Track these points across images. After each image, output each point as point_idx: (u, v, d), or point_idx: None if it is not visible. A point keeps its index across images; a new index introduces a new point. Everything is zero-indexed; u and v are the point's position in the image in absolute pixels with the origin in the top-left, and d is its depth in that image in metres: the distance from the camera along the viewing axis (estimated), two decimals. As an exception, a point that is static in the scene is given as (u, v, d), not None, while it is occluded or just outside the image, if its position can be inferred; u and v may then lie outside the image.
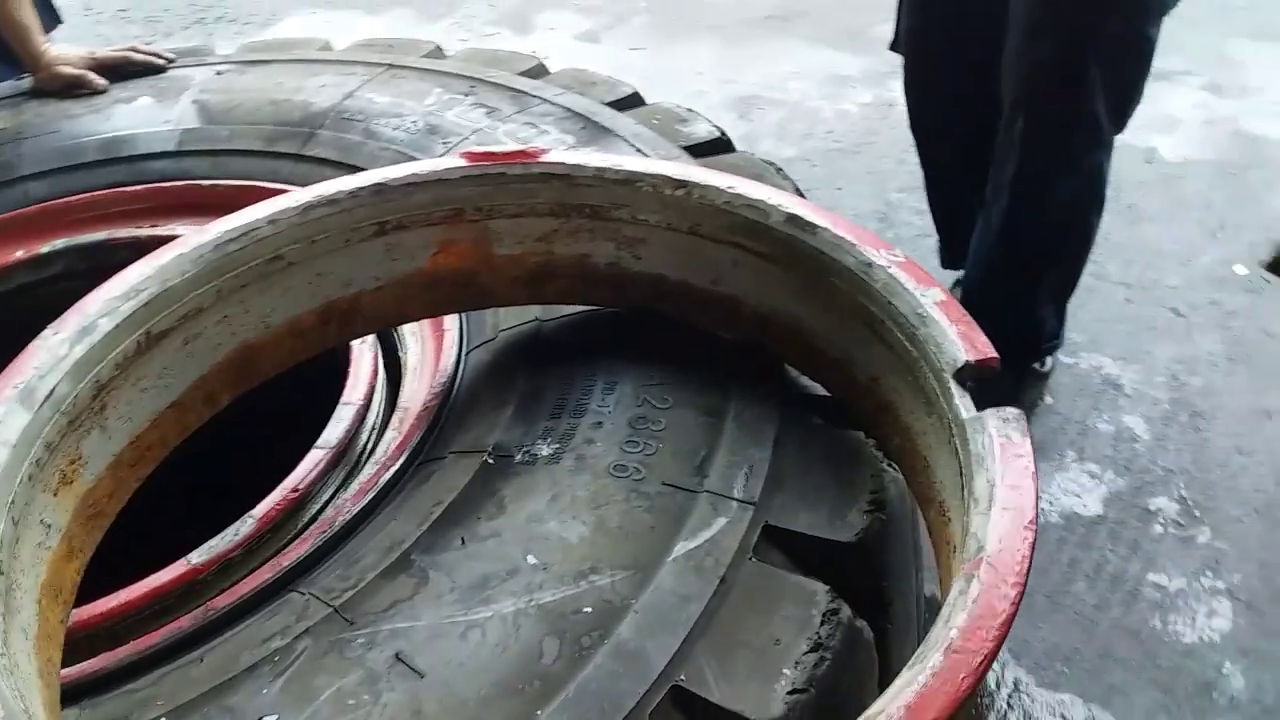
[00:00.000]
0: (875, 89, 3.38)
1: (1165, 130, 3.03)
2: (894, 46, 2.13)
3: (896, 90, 2.29)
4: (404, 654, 0.75)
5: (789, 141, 3.13)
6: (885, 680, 0.88)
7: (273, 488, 0.99)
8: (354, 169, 1.35)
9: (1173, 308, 2.36)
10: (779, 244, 0.93)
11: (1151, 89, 3.23)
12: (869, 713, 0.57)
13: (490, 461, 0.91)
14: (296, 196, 0.94)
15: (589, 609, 0.77)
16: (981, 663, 0.58)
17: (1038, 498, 0.68)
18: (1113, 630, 1.68)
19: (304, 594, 0.82)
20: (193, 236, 0.89)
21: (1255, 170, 2.84)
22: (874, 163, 3.02)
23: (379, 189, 0.97)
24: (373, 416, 1.09)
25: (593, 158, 0.99)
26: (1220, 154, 2.91)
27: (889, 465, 0.92)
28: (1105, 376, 2.16)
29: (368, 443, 1.07)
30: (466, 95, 1.54)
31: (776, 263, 0.94)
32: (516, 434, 0.93)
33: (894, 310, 0.84)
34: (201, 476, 1.24)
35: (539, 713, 0.71)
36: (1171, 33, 3.67)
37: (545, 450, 0.91)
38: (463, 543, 0.83)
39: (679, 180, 0.96)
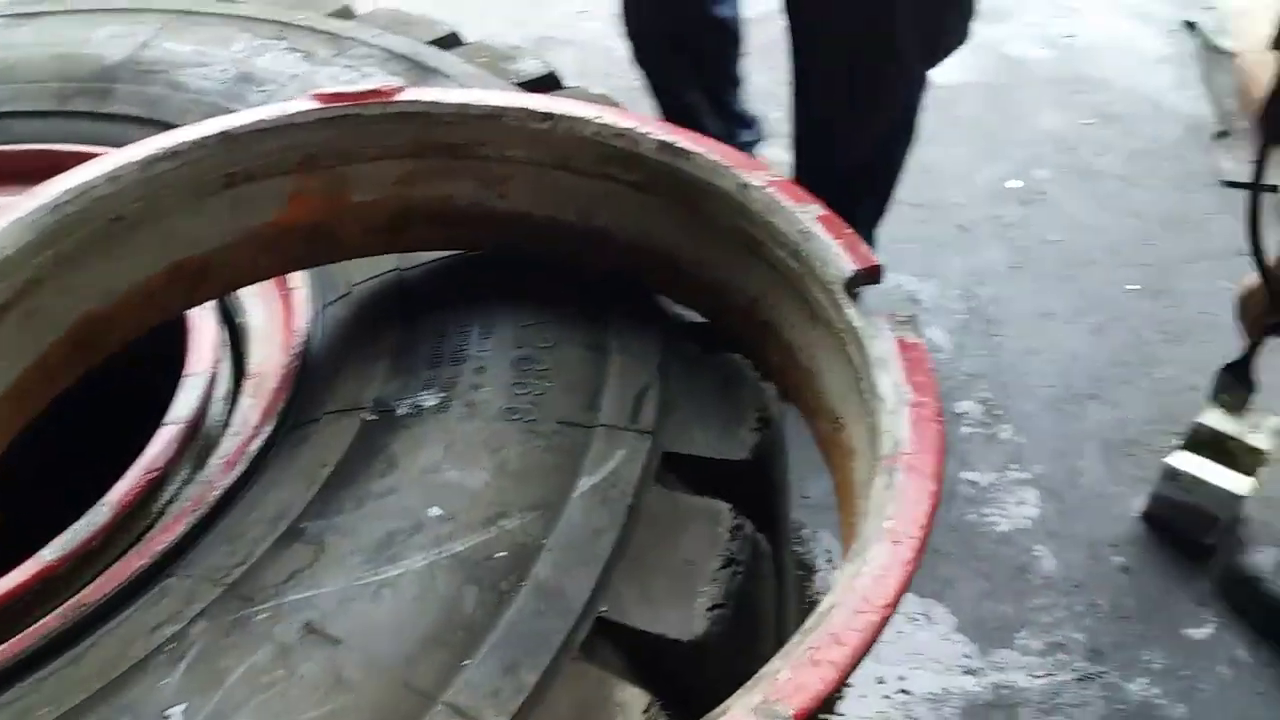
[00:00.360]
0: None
1: (935, 56, 3.20)
2: None
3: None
4: (314, 623, 0.72)
5: (592, 80, 3.10)
6: (781, 589, 0.92)
7: (120, 472, 0.93)
8: (164, 125, 1.26)
9: (959, 224, 2.52)
10: (652, 172, 0.93)
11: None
12: (821, 606, 0.60)
13: (372, 418, 0.88)
14: (136, 150, 0.87)
15: (503, 553, 0.76)
16: (918, 547, 0.62)
17: (939, 392, 0.72)
18: (936, 528, 1.80)
19: (187, 577, 0.78)
20: (25, 200, 0.81)
21: (1019, 90, 3.04)
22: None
23: (225, 137, 0.91)
24: (223, 386, 1.03)
25: (452, 93, 0.96)
26: (988, 76, 3.10)
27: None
28: (907, 293, 2.29)
29: (221, 414, 1.01)
30: (277, 40, 1.46)
31: (649, 191, 0.95)
32: (395, 387, 0.91)
33: (774, 229, 0.87)
34: (39, 468, 1.14)
35: (465, 662, 0.70)
36: (935, -37, 3.83)
37: (430, 400, 0.89)
38: (358, 502, 0.80)
39: (544, 113, 0.95)
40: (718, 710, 0.55)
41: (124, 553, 0.84)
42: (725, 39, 2.24)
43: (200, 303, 0.99)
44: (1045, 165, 2.72)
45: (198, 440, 0.96)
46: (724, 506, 0.81)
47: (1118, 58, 3.16)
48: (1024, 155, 2.76)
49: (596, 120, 0.94)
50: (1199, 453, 1.76)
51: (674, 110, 2.21)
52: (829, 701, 0.60)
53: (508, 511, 0.79)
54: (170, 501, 0.90)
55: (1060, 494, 1.89)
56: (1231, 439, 1.74)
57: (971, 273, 2.37)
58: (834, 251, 0.83)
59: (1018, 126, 2.89)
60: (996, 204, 2.59)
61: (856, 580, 0.61)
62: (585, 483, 0.81)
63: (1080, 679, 1.62)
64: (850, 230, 0.84)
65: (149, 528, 0.87)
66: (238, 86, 1.36)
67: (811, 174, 1.95)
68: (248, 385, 1.01)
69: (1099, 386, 2.10)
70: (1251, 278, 1.62)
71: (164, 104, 1.33)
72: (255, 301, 1.10)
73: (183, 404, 0.97)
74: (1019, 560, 1.78)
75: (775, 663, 0.58)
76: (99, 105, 1.33)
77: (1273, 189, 2.55)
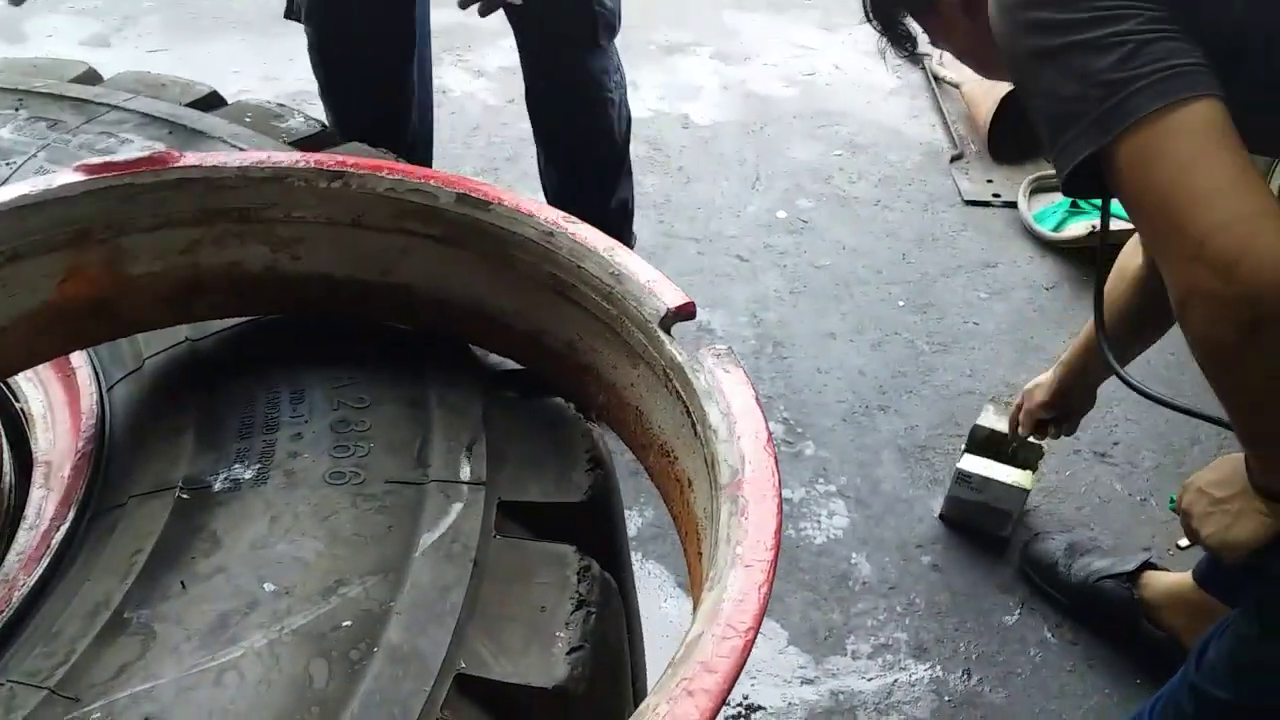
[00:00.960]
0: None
1: (691, 98, 3.33)
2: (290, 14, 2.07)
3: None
4: (154, 717, 0.67)
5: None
6: (631, 624, 0.92)
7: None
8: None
9: (737, 254, 2.62)
10: (452, 225, 0.92)
11: (672, 61, 3.53)
12: (690, 635, 0.60)
13: (185, 496, 0.83)
14: (-119, 235, 0.79)
15: (348, 622, 0.73)
16: (770, 568, 0.63)
17: (766, 418, 0.74)
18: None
19: (1, 684, 0.70)
20: None
21: (770, 126, 3.21)
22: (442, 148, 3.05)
23: (-14, 214, 0.84)
24: (6, 478, 0.94)
25: (233, 156, 0.92)
26: (741, 115, 3.26)
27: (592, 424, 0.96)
28: (699, 323, 2.36)
29: (7, 508, 0.92)
30: (17, 110, 1.36)
31: (451, 244, 0.94)
32: (206, 462, 0.85)
33: (585, 273, 0.87)
34: None
35: (326, 739, 0.66)
36: (676, 8, 4.02)
37: (247, 474, 0.84)
38: (183, 586, 0.75)
39: (334, 171, 0.93)
40: (605, 749, 0.54)
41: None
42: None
43: (-27, 395, 0.90)
44: (806, 195, 2.87)
45: (-13, 539, 0.87)
46: (568, 549, 0.81)
47: (855, 92, 3.38)
48: (786, 186, 2.91)
49: (390, 176, 0.93)
50: (981, 453, 1.89)
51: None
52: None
53: (347, 579, 0.76)
54: (-37, 609, 0.82)
55: (866, 502, 1.99)
56: (1007, 437, 1.88)
57: (755, 300, 2.46)
58: (646, 291, 0.85)
59: (776, 160, 3.04)
60: (768, 234, 2.71)
61: (719, 608, 0.62)
62: (426, 539, 0.79)
63: (909, 676, 1.70)
64: (656, 270, 0.85)
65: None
66: (-18, 162, 1.26)
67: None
68: (37, 475, 0.92)
69: (885, 398, 2.22)
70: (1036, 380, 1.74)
71: (-106, 186, 1.21)
72: (31, 386, 1.01)
73: (-37, 503, 0.88)
74: (839, 569, 1.86)
75: (651, 698, 0.58)
76: None
77: (1011, 205, 2.80)
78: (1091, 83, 0.93)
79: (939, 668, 1.71)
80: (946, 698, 1.67)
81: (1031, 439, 1.84)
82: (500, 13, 1.79)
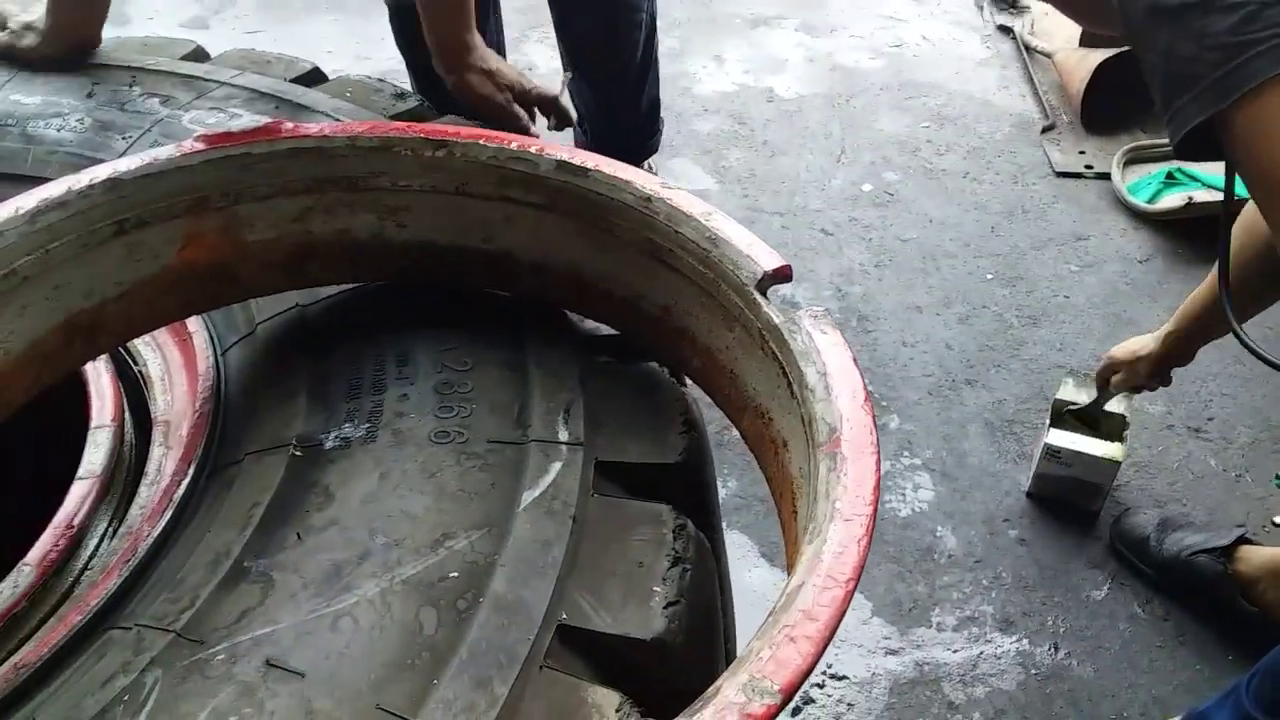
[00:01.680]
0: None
1: (776, 71, 3.31)
2: None
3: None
4: (275, 659, 0.70)
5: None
6: (723, 584, 0.94)
7: (33, 532, 0.89)
8: (22, 179, 1.21)
9: (822, 228, 2.61)
10: (552, 192, 0.95)
11: (757, 35, 3.51)
12: (791, 585, 0.62)
13: (298, 454, 0.86)
14: (20, 202, 0.84)
15: (455, 573, 0.76)
16: (869, 522, 0.65)
17: (864, 378, 0.75)
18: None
19: (129, 627, 0.75)
20: (-90, 259, 0.77)
21: (857, 99, 3.17)
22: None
23: (113, 183, 0.88)
24: (128, 437, 1.00)
25: (342, 126, 0.96)
26: (827, 87, 3.22)
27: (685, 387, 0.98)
28: (783, 296, 2.35)
29: (129, 464, 0.97)
30: (131, 86, 1.42)
31: (552, 211, 0.96)
32: (318, 421, 0.89)
33: (682, 238, 0.89)
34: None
35: (436, 682, 0.69)
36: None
37: (357, 432, 0.88)
38: (299, 537, 0.79)
39: (439, 140, 0.95)
40: (710, 691, 0.56)
41: (54, 611, 0.80)
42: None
43: (100, 354, 0.95)
44: (893, 168, 2.84)
45: (113, 492, 0.92)
46: (664, 508, 0.83)
47: (944, 63, 3.33)
48: (872, 159, 2.88)
49: (493, 144, 0.95)
50: (1064, 427, 1.87)
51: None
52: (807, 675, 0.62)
53: (453, 532, 0.79)
54: (93, 556, 0.87)
55: (952, 476, 1.98)
56: (1092, 410, 1.85)
57: (840, 273, 2.45)
58: (744, 255, 0.86)
59: (862, 133, 3.01)
60: (853, 207, 2.69)
61: (819, 559, 0.63)
62: (527, 497, 0.82)
63: (995, 648, 1.69)
64: (752, 234, 0.87)
65: (75, 584, 0.83)
66: (98, 136, 1.31)
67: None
68: (156, 434, 0.97)
69: (973, 372, 2.20)
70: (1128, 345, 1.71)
71: (19, 158, 1.28)
72: (150, 350, 1.06)
73: (93, 457, 0.93)
74: (924, 542, 1.85)
75: (754, 643, 0.60)
76: (-52, 163, 1.27)
77: (1104, 177, 2.74)
78: (1210, 44, 0.91)
79: (1026, 641, 1.70)
80: (1033, 671, 1.66)
81: (1111, 407, 1.82)
82: None
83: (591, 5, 2.17)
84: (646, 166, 2.56)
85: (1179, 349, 1.60)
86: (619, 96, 2.33)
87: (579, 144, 2.36)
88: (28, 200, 0.85)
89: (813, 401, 0.75)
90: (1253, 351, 1.11)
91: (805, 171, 2.83)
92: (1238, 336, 1.13)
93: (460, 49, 1.31)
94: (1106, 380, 1.76)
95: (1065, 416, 1.88)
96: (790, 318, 0.81)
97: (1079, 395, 1.88)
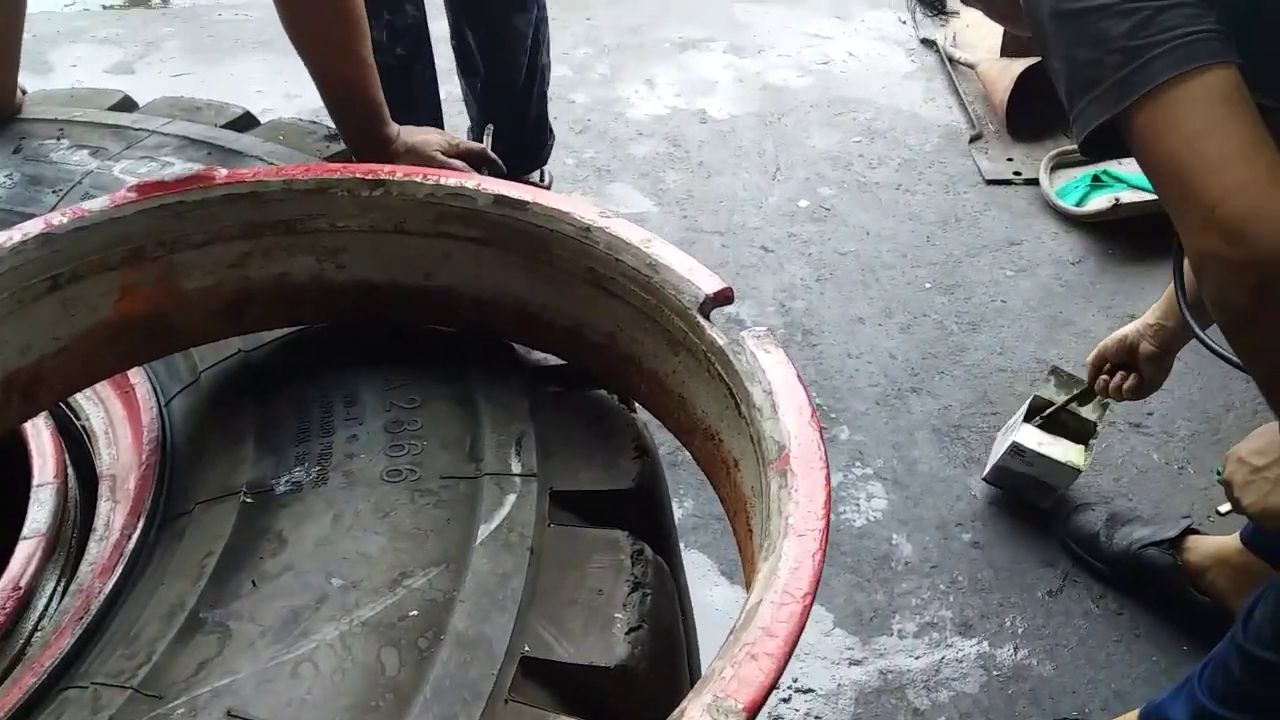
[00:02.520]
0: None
1: (707, 93, 3.34)
2: None
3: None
4: (236, 709, 0.69)
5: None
6: (683, 605, 0.95)
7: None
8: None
9: (762, 245, 2.64)
10: (491, 226, 0.95)
11: (686, 58, 3.54)
12: (749, 603, 0.62)
13: (249, 500, 0.86)
14: (-50, 262, 0.83)
15: (415, 612, 0.75)
16: (822, 536, 0.66)
17: (809, 394, 0.77)
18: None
19: (85, 686, 0.74)
20: None
21: (788, 117, 3.21)
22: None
23: (45, 238, 0.87)
24: (71, 493, 0.98)
25: (276, 170, 0.95)
26: (758, 107, 3.26)
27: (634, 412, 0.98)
28: (727, 315, 2.37)
29: (75, 521, 0.96)
30: (59, 139, 1.40)
31: (491, 245, 0.96)
32: (268, 466, 0.88)
33: (623, 266, 0.90)
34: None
35: (400, 723, 0.69)
36: (688, 5, 4.03)
37: (308, 475, 0.87)
38: (254, 585, 0.78)
39: (375, 180, 0.95)
40: (674, 713, 0.57)
41: (6, 674, 0.78)
42: None
43: (40, 411, 0.94)
44: (827, 183, 2.88)
45: (60, 550, 0.91)
46: (621, 534, 0.83)
47: (871, 78, 3.38)
48: (806, 175, 2.92)
49: (429, 181, 0.96)
50: (1037, 422, 1.89)
51: None
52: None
53: (411, 571, 0.78)
54: (43, 616, 0.85)
55: (904, 483, 2.00)
56: (1065, 411, 1.88)
57: (782, 289, 2.48)
58: (685, 279, 0.87)
59: (795, 150, 3.05)
60: (791, 223, 2.72)
61: (775, 576, 0.64)
62: (483, 531, 0.82)
63: (956, 652, 1.71)
64: (691, 259, 0.88)
65: (26, 645, 0.81)
66: (28, 190, 1.30)
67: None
68: (103, 488, 0.96)
69: (918, 380, 2.23)
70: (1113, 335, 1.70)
71: (-52, 217, 1.25)
72: (91, 404, 1.05)
73: (38, 515, 0.91)
74: (880, 550, 1.87)
75: (716, 663, 0.60)
76: (-127, 228, 1.24)
77: (1033, 182, 2.80)
78: (1108, 49, 0.95)
79: (986, 643, 1.72)
80: (995, 672, 1.68)
81: (1086, 412, 1.85)
82: None
83: (480, 21, 2.36)
84: (540, 175, 2.72)
85: (1174, 320, 1.57)
86: (507, 105, 2.46)
87: None
88: (-42, 260, 0.83)
89: (760, 420, 0.76)
90: (1216, 353, 1.13)
91: (742, 190, 2.86)
92: (1201, 341, 1.15)
93: (381, 143, 1.36)
94: (1098, 370, 1.74)
95: (1039, 412, 1.90)
96: (734, 339, 0.82)
97: (1058, 395, 1.91)
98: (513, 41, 2.37)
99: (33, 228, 0.87)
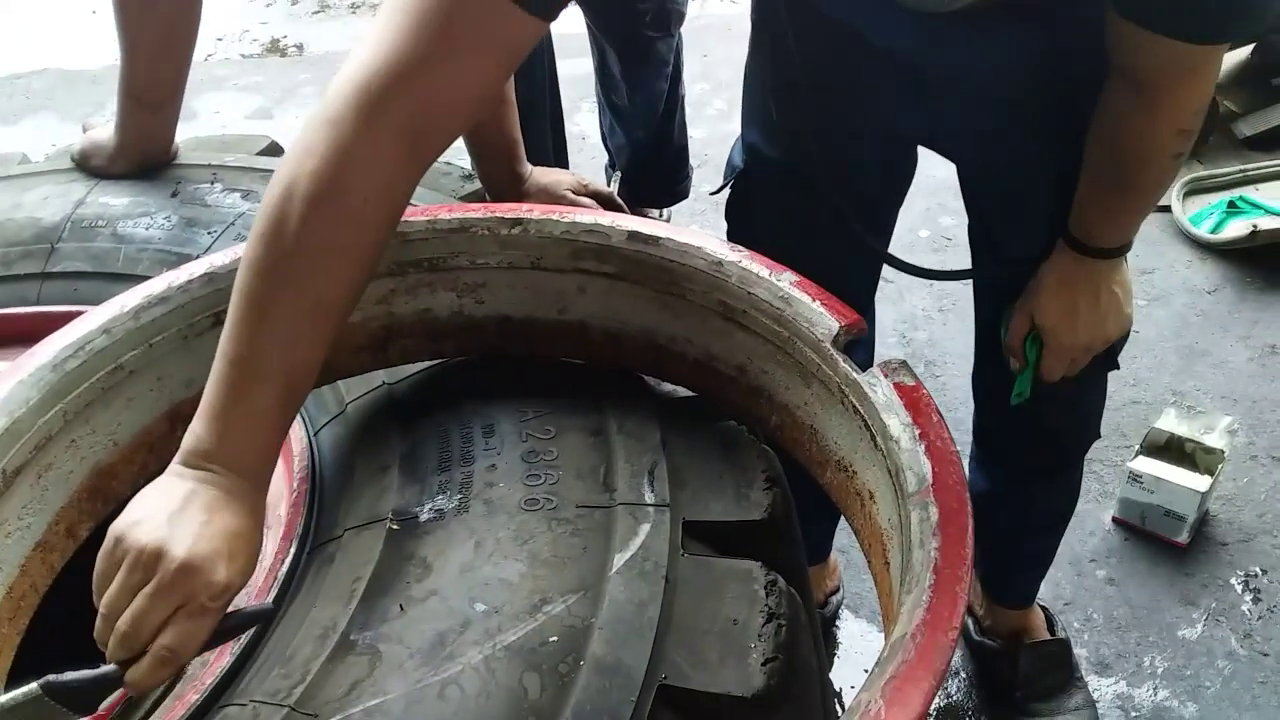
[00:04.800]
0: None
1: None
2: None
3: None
4: (388, 729, 0.73)
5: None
6: (815, 636, 0.95)
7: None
8: (116, 277, 1.28)
9: (882, 276, 2.61)
10: (625, 261, 0.97)
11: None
12: (894, 636, 0.63)
13: (395, 527, 0.89)
14: (125, 300, 0.89)
15: (554, 637, 0.78)
16: (965, 570, 0.65)
17: (946, 425, 0.77)
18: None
19: (245, 703, 0.78)
20: (26, 361, 0.82)
21: (909, 147, 3.18)
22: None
23: (209, 278, 0.93)
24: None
25: (419, 210, 1.00)
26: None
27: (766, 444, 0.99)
28: (847, 347, 2.36)
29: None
30: (213, 183, 1.48)
31: (624, 280, 0.99)
32: (412, 495, 0.92)
33: (755, 299, 0.91)
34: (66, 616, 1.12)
35: (543, 747, 0.71)
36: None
37: (449, 504, 0.90)
38: (401, 609, 0.81)
39: (513, 219, 0.99)
40: (820, 744, 0.57)
41: (170, 690, 0.83)
42: None
43: (201, 443, 0.99)
44: (948, 213, 2.85)
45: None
46: (754, 564, 0.84)
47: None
48: (926, 205, 2.89)
49: (565, 219, 0.99)
50: (1158, 456, 1.84)
51: None
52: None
53: (550, 597, 0.80)
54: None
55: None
56: (1188, 440, 1.83)
57: (903, 320, 2.46)
58: (817, 312, 0.88)
59: (916, 178, 3.01)
60: (911, 254, 2.66)
61: (919, 607, 0.64)
62: (619, 559, 0.83)
63: (1093, 692, 1.66)
64: (825, 291, 0.89)
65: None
66: (184, 232, 1.37)
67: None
68: (258, 516, 1.01)
69: (1044, 411, 2.17)
70: None
71: (111, 257, 1.34)
72: (245, 437, 1.10)
73: (197, 543, 0.96)
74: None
75: (862, 695, 0.60)
76: (45, 266, 1.33)
77: (1165, 209, 2.71)
78: None
79: (1123, 683, 1.67)
80: (1134, 713, 1.63)
81: (1212, 441, 1.79)
82: None
83: (636, 64, 2.44)
84: (662, 214, 2.80)
85: None
86: (649, 135, 2.57)
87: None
88: (131, 298, 0.89)
89: (898, 452, 0.76)
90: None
91: (861, 221, 2.84)
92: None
93: (513, 181, 1.41)
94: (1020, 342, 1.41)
95: (1159, 446, 1.86)
96: (871, 370, 0.83)
97: (1179, 427, 1.86)
98: (655, 67, 2.44)
99: (197, 268, 0.93)
